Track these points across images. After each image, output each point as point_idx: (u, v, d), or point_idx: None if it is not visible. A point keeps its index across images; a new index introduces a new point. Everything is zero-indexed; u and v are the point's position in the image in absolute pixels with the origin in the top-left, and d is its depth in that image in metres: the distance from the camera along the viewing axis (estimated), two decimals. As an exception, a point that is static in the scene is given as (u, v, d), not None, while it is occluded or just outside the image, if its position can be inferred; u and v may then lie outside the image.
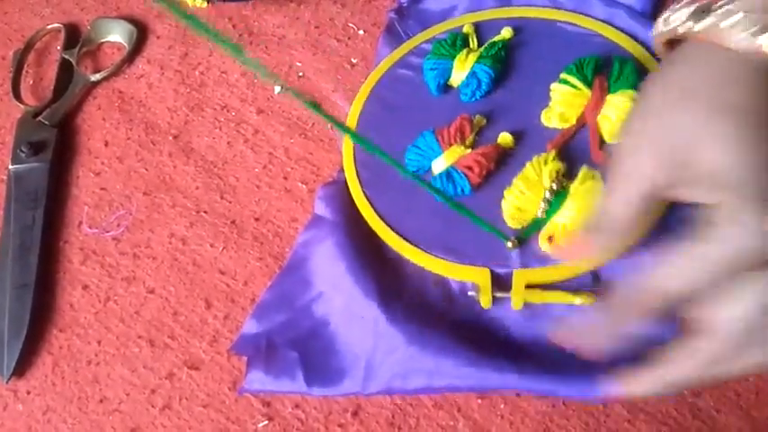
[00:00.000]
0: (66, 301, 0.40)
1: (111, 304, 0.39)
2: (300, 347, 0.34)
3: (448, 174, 0.37)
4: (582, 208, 0.34)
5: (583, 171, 0.35)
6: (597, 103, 0.37)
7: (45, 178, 0.43)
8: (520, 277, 0.34)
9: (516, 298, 0.34)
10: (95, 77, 0.48)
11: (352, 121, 0.41)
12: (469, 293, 0.35)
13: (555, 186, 0.35)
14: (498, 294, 0.34)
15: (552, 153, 0.36)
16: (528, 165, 0.36)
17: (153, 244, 0.41)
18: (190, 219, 0.41)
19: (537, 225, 0.35)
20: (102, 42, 0.50)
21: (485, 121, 0.39)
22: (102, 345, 0.38)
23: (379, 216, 0.37)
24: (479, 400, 0.34)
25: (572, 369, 0.31)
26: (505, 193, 0.35)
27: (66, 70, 0.48)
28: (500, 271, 0.35)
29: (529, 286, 0.34)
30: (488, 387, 0.32)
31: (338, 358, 0.34)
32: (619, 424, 0.32)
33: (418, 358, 0.32)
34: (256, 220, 0.41)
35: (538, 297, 0.34)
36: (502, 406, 0.34)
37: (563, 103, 0.38)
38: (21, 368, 0.38)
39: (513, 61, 0.41)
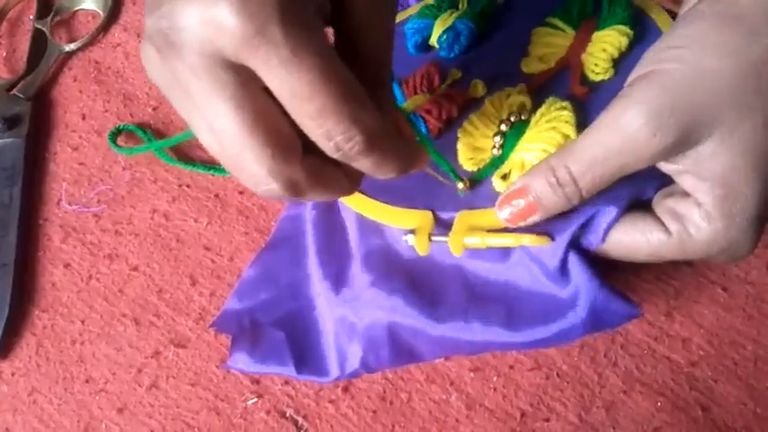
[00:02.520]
0: (47, 281, 0.39)
1: (94, 282, 0.38)
2: (287, 328, 0.33)
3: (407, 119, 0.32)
4: (544, 140, 0.30)
5: (549, 101, 0.31)
6: (582, 42, 0.33)
7: (21, 154, 0.42)
8: (462, 220, 0.30)
9: (454, 241, 0.29)
10: (70, 47, 0.46)
11: None
12: (403, 238, 0.31)
13: (513, 119, 0.31)
14: (436, 238, 0.30)
15: (519, 87, 0.32)
16: (487, 101, 0.32)
17: (135, 220, 0.39)
18: (172, 193, 0.40)
19: (494, 165, 0.31)
20: (76, 10, 0.48)
21: (461, 74, 0.35)
22: (86, 324, 0.37)
23: None
24: (472, 374, 0.33)
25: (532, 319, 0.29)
26: (459, 132, 0.32)
27: (39, 41, 0.46)
28: (445, 215, 0.30)
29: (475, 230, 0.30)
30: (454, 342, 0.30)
31: (324, 342, 0.33)
32: (614, 395, 0.32)
33: (380, 300, 0.31)
34: (240, 193, 0.39)
35: (479, 239, 0.29)
36: (495, 378, 0.33)
37: (543, 45, 0.34)
38: (4, 350, 0.37)
39: (503, 21, 0.38)
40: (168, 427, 0.34)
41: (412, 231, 0.30)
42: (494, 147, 0.31)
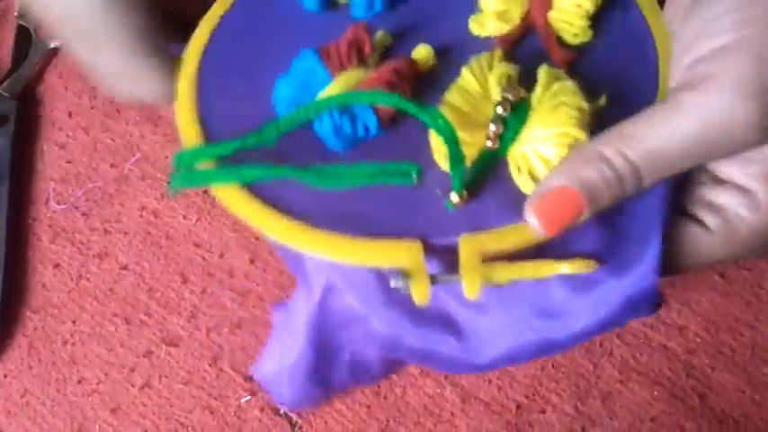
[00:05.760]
0: (37, 281, 0.38)
1: (84, 282, 0.38)
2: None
3: (343, 108, 0.24)
4: (561, 122, 0.22)
5: (543, 71, 0.24)
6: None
7: (8, 153, 0.41)
8: (469, 246, 0.21)
9: (470, 279, 0.21)
10: (55, 44, 0.45)
11: (194, 57, 0.27)
12: (392, 284, 0.21)
13: (511, 97, 0.23)
14: (441, 278, 0.21)
15: (498, 52, 0.25)
16: (465, 71, 0.24)
17: (124, 218, 0.39)
18: (160, 190, 0.39)
19: (488, 162, 0.23)
20: (61, 6, 0.47)
21: (391, 39, 0.27)
22: (78, 324, 0.37)
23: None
24: (466, 366, 0.33)
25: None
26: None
27: (24, 38, 0.45)
28: (438, 242, 0.22)
29: (489, 260, 0.22)
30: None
31: None
32: (610, 385, 0.31)
33: None
34: (230, 188, 0.39)
35: (503, 273, 0.21)
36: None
37: (499, 1, 0.27)
38: (-5, 352, 0.37)
39: None
40: (162, 426, 0.34)
41: (399, 272, 0.21)
42: (487, 138, 0.23)
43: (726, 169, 0.22)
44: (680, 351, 0.32)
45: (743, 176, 0.21)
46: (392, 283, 0.21)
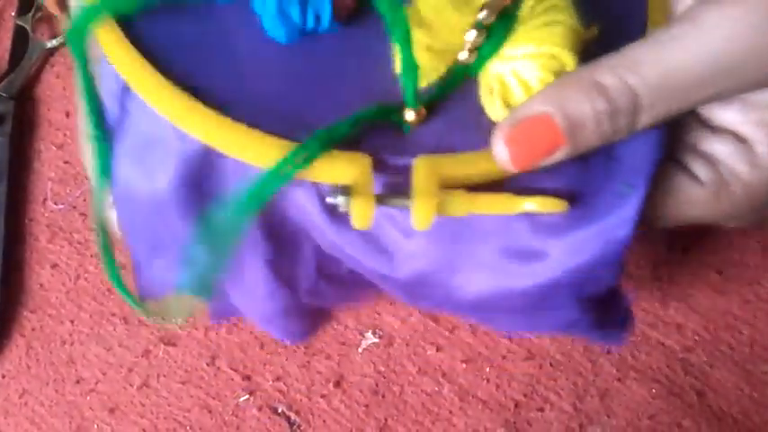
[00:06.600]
0: (35, 281, 0.38)
1: (83, 282, 0.38)
2: None
3: None
4: (548, 39, 0.19)
5: None
6: None
7: (5, 153, 0.41)
8: (426, 169, 0.18)
9: (422, 205, 0.18)
10: (52, 44, 0.45)
11: None
12: (329, 200, 0.18)
13: (498, 2, 0.19)
14: (388, 200, 0.18)
15: None
16: None
17: (121, 218, 0.39)
18: (158, 189, 0.39)
19: (460, 79, 0.20)
20: (58, 5, 0.47)
21: None
22: (76, 324, 0.37)
23: (159, 65, 0.19)
24: (464, 365, 0.33)
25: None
26: (407, 15, 0.19)
27: (21, 38, 0.45)
28: (391, 161, 0.19)
29: (448, 187, 0.18)
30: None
31: None
32: (608, 383, 0.31)
33: None
34: (228, 187, 0.39)
35: (461, 204, 0.19)
36: (487, 369, 0.32)
37: None
38: (-7, 352, 0.37)
39: None
40: (160, 425, 0.34)
41: (342, 189, 0.18)
42: (465, 47, 0.19)
43: (723, 114, 0.19)
44: (678, 349, 0.32)
45: (742, 124, 0.19)
46: (329, 200, 0.18)
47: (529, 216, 0.19)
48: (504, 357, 0.32)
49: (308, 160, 0.18)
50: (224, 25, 0.20)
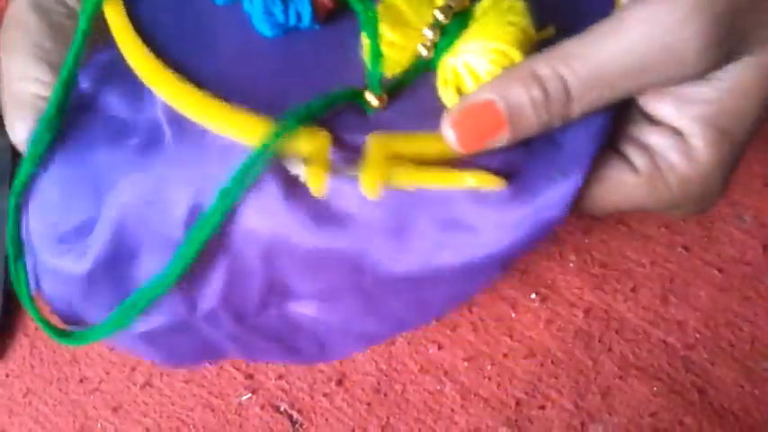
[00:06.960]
0: (39, 281, 0.38)
1: (86, 282, 0.38)
2: None
3: None
4: (500, 37, 0.21)
5: None
6: None
7: (8, 157, 0.41)
8: (379, 146, 0.21)
9: (370, 176, 0.20)
10: (55, 45, 0.45)
11: None
12: (292, 171, 0.21)
13: (453, 5, 0.22)
14: (341, 170, 0.21)
15: None
16: None
17: (124, 218, 0.39)
18: (160, 190, 0.40)
19: (418, 71, 0.22)
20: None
21: None
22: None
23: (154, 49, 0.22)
24: (466, 363, 0.33)
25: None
26: (377, 14, 0.23)
27: (23, 39, 0.46)
28: (349, 139, 0.21)
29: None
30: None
31: None
32: (610, 381, 0.31)
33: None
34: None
35: (407, 176, 0.21)
36: (489, 367, 0.33)
37: None
38: (-2, 352, 0.37)
39: None
40: (163, 424, 0.34)
41: (304, 160, 0.21)
42: (425, 42, 0.22)
43: (661, 109, 0.20)
44: (679, 346, 0.32)
45: (678, 118, 0.19)
46: (293, 171, 0.21)
47: (471, 192, 0.21)
48: (505, 355, 0.33)
49: (288, 134, 0.20)
50: (219, 20, 0.23)
